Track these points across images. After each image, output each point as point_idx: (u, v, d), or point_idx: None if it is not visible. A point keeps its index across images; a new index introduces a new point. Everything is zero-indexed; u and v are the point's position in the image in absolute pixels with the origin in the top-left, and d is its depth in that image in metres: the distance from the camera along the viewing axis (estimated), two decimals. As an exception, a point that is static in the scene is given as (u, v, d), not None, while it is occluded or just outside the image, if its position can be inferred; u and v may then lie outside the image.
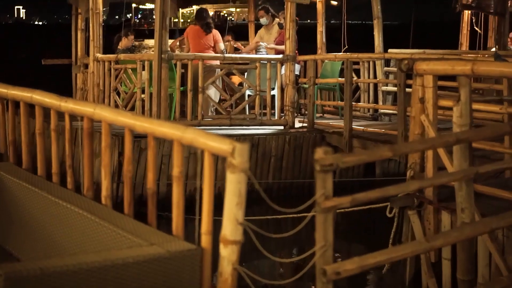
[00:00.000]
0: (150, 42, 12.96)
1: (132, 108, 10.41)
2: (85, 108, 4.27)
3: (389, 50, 11.43)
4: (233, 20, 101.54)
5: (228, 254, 3.22)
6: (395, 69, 11.41)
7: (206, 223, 3.43)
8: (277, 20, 12.23)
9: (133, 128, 3.88)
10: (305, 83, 11.94)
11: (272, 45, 12.12)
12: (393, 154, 3.64)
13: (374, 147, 9.50)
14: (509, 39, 16.61)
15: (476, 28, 16.98)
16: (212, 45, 10.79)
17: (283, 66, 10.77)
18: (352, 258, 3.47)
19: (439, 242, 3.72)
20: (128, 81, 10.69)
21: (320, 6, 13.22)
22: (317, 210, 3.38)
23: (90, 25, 11.11)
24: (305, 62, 12.39)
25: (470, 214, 4.70)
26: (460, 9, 16.94)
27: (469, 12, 17.15)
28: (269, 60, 10.61)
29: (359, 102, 11.96)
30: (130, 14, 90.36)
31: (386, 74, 11.60)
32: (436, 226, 5.78)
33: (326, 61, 12.46)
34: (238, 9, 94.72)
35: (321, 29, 13.31)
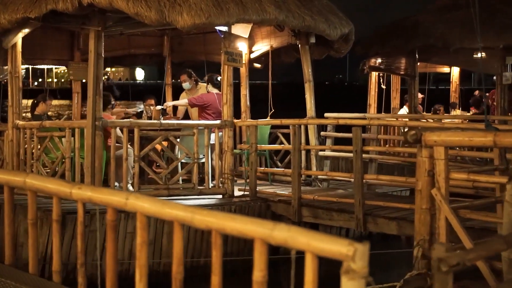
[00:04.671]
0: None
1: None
2: (112, 197, 3.61)
3: (326, 114, 11.19)
4: (109, 80, 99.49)
5: None
6: (332, 133, 11.19)
7: None
8: (200, 85, 11.85)
9: (189, 223, 3.27)
10: (239, 149, 11.51)
11: (171, 103, 11.81)
12: (507, 246, 3.25)
13: (327, 216, 9.13)
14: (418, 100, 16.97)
15: (383, 86, 17.22)
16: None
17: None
18: None
19: None
20: (54, 150, 9.87)
21: (243, 69, 12.84)
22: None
23: (9, 89, 10.22)
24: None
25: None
26: (368, 70, 17.17)
27: (377, 73, 17.38)
28: (206, 126, 10.10)
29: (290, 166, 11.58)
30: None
31: (323, 138, 11.32)
32: (450, 308, 5.40)
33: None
34: (113, 69, 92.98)
35: (244, 92, 12.92)
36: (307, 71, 11.65)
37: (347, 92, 50.64)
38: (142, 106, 12.16)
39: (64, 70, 64.09)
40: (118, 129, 9.65)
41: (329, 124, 11.07)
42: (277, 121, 10.59)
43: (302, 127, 11.41)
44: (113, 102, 10.70)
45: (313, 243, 2.81)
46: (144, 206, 3.45)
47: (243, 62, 12.85)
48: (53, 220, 4.06)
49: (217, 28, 9.83)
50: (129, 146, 9.66)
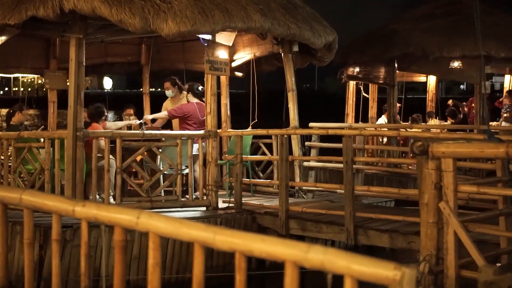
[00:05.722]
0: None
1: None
2: (121, 215, 3.34)
3: (310, 124, 11.00)
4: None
5: None
6: (318, 143, 11.00)
7: None
8: (184, 93, 11.55)
9: (211, 245, 3.02)
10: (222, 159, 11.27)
11: (150, 116, 11.51)
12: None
13: (316, 228, 8.92)
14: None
15: (365, 95, 17.09)
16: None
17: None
18: None
19: None
20: (33, 161, 9.53)
21: (224, 78, 12.60)
22: None
23: (-15, 99, 9.87)
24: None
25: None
26: (346, 79, 17.02)
27: (355, 82, 17.24)
28: (190, 136, 9.84)
29: (273, 177, 11.36)
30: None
31: (307, 149, 11.11)
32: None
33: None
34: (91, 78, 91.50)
35: (225, 101, 12.68)
36: (290, 80, 11.42)
37: (317, 101, 50.67)
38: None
39: (31, 79, 62.93)
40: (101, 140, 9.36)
41: (313, 134, 10.86)
42: (263, 131, 10.36)
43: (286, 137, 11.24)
44: (106, 114, 10.39)
45: (354, 267, 2.58)
46: (158, 225, 3.20)
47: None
48: (53, 239, 3.78)
49: (201, 36, 9.59)
50: (111, 157, 9.37)
